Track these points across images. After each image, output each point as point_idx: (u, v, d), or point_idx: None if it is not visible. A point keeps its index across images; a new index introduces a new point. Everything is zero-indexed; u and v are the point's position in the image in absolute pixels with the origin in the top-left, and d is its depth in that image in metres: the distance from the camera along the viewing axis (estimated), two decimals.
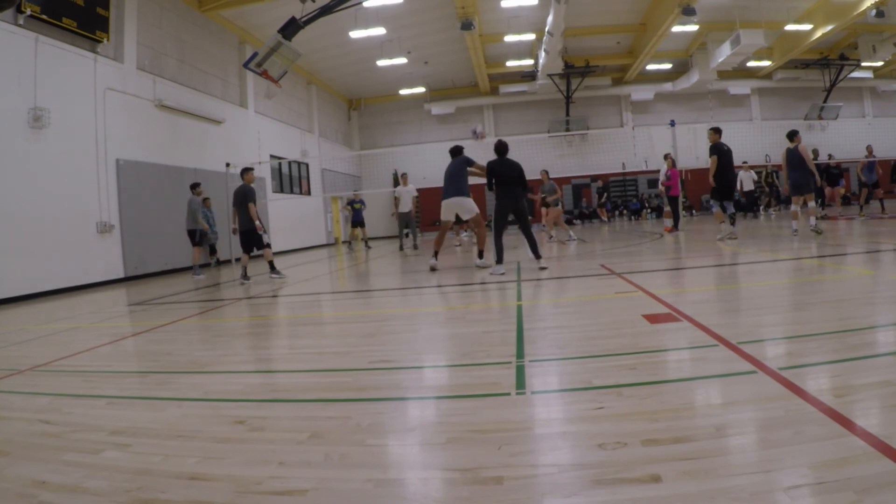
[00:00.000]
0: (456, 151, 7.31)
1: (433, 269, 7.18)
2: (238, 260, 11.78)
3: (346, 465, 1.67)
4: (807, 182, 8.37)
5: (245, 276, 7.84)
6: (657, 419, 1.80)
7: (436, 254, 7.34)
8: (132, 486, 1.60)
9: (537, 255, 6.61)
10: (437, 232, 7.59)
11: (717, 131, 8.79)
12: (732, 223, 8.77)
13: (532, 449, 1.70)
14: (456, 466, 1.59)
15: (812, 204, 8.49)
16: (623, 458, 1.54)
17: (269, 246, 8.07)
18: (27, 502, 1.55)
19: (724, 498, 1.29)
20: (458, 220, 10.02)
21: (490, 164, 6.57)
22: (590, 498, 1.36)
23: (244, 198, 7.71)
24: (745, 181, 15.63)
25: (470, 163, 7.03)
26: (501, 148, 6.63)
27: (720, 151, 8.59)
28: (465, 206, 6.99)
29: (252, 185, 7.89)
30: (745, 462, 1.48)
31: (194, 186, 9.99)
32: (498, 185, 6.49)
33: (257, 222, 7.65)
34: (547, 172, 11.88)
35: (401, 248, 12.82)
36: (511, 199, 6.48)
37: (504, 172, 6.47)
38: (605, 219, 20.80)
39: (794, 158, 8.38)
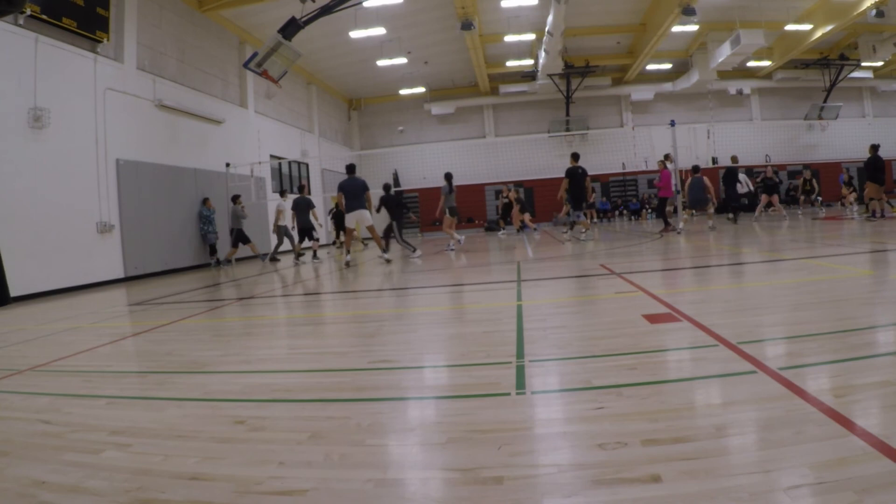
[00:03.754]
0: (352, 169, 9.34)
1: (348, 265, 9.16)
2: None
3: (346, 465, 1.67)
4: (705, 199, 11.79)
5: (308, 256, 11.99)
6: (657, 419, 1.80)
7: (347, 251, 9.42)
8: (132, 486, 1.60)
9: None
10: (346, 237, 9.66)
11: (573, 157, 10.92)
12: (571, 227, 11.92)
13: (532, 449, 1.70)
14: (456, 466, 1.59)
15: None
16: (623, 458, 1.54)
17: (317, 240, 12.24)
18: (27, 502, 1.55)
19: (724, 498, 1.29)
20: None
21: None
22: (590, 498, 1.36)
23: (308, 205, 11.56)
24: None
25: (367, 188, 9.27)
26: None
27: (571, 175, 10.75)
28: (365, 217, 9.20)
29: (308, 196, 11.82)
30: (745, 462, 1.48)
31: (235, 199, 12.20)
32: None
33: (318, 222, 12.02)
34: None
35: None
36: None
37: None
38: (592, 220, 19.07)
39: (699, 183, 11.72)
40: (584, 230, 11.55)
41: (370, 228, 9.30)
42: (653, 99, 22.39)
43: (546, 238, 13.19)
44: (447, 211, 11.30)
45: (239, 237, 12.09)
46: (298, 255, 11.94)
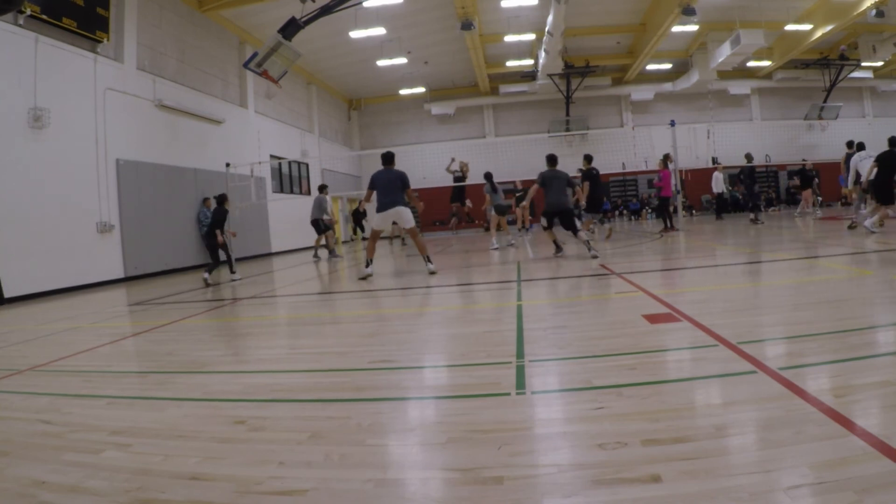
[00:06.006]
0: (389, 158, 7.42)
1: (365, 278, 7.06)
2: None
3: (346, 465, 1.67)
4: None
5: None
6: (657, 419, 1.80)
7: (369, 262, 7.27)
8: (132, 486, 1.60)
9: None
10: (369, 240, 7.61)
11: (587, 159, 10.54)
12: (602, 222, 11.75)
13: (532, 449, 1.70)
14: (456, 466, 1.59)
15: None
16: (623, 458, 1.54)
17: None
18: (27, 502, 1.55)
19: (724, 498, 1.29)
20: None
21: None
22: (590, 498, 1.36)
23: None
24: (717, 182, 16.02)
25: (407, 184, 7.24)
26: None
27: (591, 177, 10.40)
28: (404, 216, 7.21)
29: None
30: (745, 462, 1.48)
31: (322, 188, 12.16)
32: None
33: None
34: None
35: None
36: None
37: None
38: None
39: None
40: (589, 232, 11.09)
41: (412, 232, 7.42)
42: (653, 99, 22.38)
43: (545, 238, 13.18)
44: (493, 209, 11.08)
45: (321, 227, 12.04)
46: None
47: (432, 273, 6.96)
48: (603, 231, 11.88)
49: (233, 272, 8.87)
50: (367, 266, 7.21)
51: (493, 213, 11.27)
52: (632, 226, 17.20)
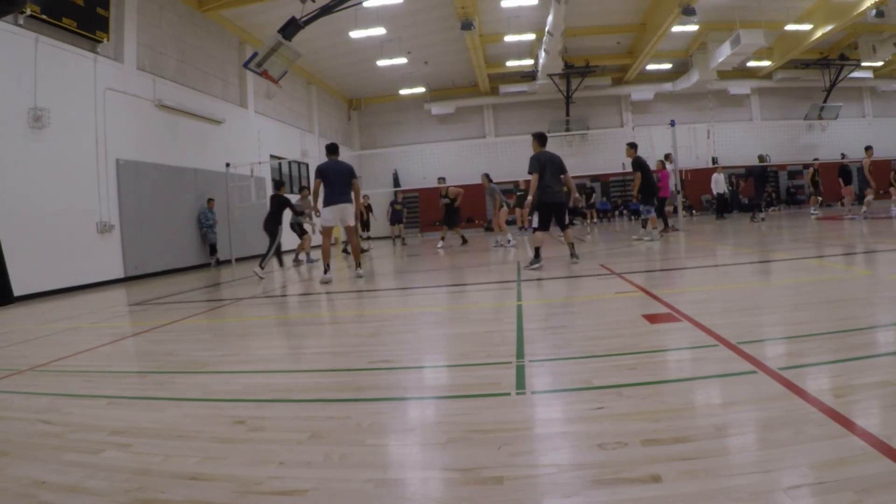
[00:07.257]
0: (334, 149, 7.12)
1: (325, 283, 6.87)
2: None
3: (346, 465, 1.67)
4: None
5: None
6: (657, 419, 1.80)
7: (327, 268, 7.05)
8: (132, 486, 1.60)
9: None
10: (323, 243, 7.23)
11: (633, 147, 9.65)
12: (644, 225, 10.15)
13: (532, 449, 1.70)
14: (456, 466, 1.59)
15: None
16: (623, 458, 1.54)
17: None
18: (27, 502, 1.55)
19: (724, 498, 1.29)
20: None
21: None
22: (590, 498, 1.36)
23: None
24: (718, 183, 16.29)
25: (355, 175, 7.06)
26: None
27: (643, 164, 9.52)
28: (349, 212, 7.06)
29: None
30: (745, 462, 1.48)
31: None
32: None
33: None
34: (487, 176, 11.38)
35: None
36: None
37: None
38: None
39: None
40: (653, 228, 9.96)
41: (349, 230, 7.34)
42: (653, 99, 22.38)
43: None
44: (510, 204, 11.09)
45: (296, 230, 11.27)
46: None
47: (359, 277, 7.14)
48: (654, 232, 10.03)
49: (262, 267, 8.25)
50: (326, 272, 6.99)
51: (506, 209, 11.34)
52: (631, 225, 17.20)
